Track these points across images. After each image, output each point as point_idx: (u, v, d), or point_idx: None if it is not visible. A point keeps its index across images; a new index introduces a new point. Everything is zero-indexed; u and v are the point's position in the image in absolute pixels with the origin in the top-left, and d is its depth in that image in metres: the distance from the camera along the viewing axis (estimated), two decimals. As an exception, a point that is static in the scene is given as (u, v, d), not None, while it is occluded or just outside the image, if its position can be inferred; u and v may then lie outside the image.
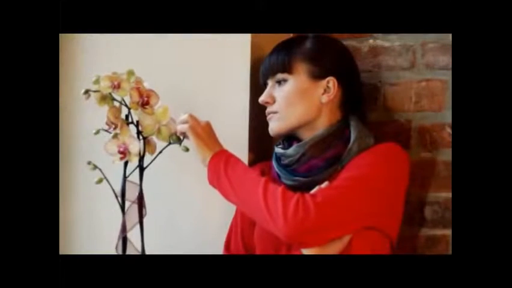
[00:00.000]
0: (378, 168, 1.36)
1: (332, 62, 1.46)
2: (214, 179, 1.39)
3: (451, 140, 1.52)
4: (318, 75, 1.45)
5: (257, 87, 1.55)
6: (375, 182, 1.34)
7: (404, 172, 1.40)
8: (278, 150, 1.48)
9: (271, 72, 1.47)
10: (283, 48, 1.47)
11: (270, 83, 1.49)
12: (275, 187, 1.32)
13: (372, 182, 1.33)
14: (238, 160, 1.41)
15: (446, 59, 1.55)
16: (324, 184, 1.34)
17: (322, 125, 1.45)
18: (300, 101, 1.44)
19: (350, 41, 1.63)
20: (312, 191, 1.33)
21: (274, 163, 1.48)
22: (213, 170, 1.39)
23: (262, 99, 1.48)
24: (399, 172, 1.39)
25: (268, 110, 1.48)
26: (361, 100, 1.54)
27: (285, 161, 1.45)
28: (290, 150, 1.44)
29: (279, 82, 1.46)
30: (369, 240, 1.33)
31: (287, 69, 1.45)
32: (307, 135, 1.45)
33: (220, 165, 1.38)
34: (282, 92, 1.46)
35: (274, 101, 1.47)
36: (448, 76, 1.55)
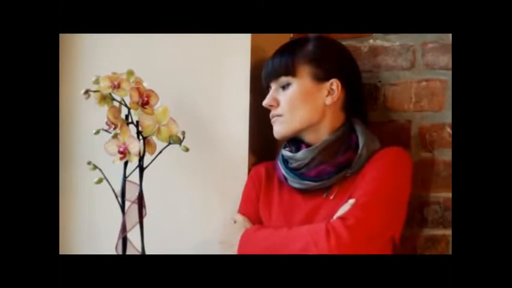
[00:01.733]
0: (392, 180, 1.39)
1: (335, 64, 1.46)
2: (246, 251, 1.42)
3: (451, 140, 1.52)
4: (321, 78, 1.45)
5: (257, 87, 1.55)
6: (393, 195, 1.37)
7: (409, 177, 1.43)
8: (286, 153, 1.47)
9: (275, 75, 1.47)
10: (286, 51, 1.47)
11: (273, 86, 1.48)
12: (298, 229, 1.34)
13: (390, 195, 1.37)
14: (258, 228, 1.44)
15: (446, 59, 1.55)
16: (351, 202, 1.35)
17: (326, 128, 1.46)
18: (304, 104, 1.44)
19: (350, 41, 1.63)
20: (341, 213, 1.34)
21: (281, 166, 1.48)
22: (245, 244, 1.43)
23: (266, 102, 1.48)
24: (407, 178, 1.42)
25: (272, 113, 1.48)
26: (363, 101, 1.55)
27: (294, 165, 1.45)
28: (299, 154, 1.44)
29: (283, 87, 1.46)
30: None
31: (291, 72, 1.45)
32: (311, 138, 1.46)
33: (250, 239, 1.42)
34: (286, 96, 1.45)
35: (278, 104, 1.47)
36: (448, 76, 1.55)
